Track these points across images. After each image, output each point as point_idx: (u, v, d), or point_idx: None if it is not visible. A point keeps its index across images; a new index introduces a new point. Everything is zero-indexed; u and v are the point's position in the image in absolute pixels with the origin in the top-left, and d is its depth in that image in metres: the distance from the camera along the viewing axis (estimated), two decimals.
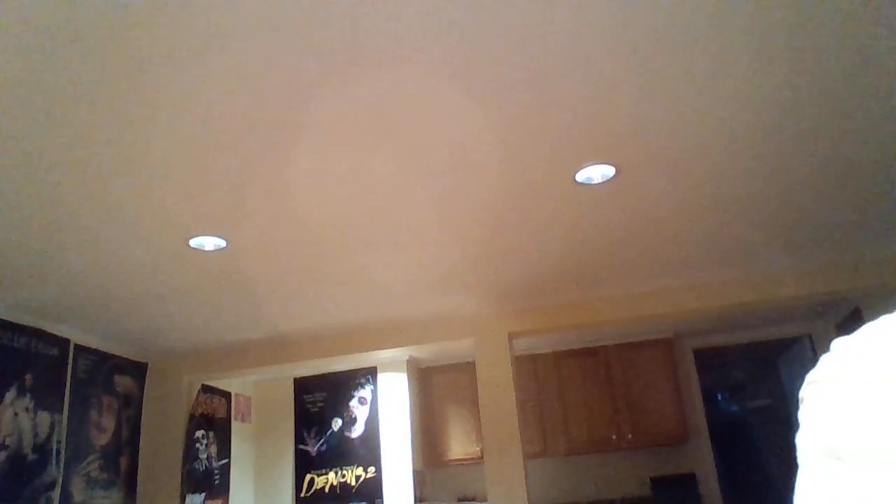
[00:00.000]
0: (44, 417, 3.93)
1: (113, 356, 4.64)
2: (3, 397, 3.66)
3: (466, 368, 5.75)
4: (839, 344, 0.51)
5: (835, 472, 0.46)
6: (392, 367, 5.76)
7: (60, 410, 4.08)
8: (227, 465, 5.49)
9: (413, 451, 5.55)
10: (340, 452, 5.69)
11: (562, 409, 5.81)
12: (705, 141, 2.62)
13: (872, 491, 0.43)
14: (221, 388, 5.58)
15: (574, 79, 2.15)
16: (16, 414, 3.73)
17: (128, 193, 2.63)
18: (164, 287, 3.68)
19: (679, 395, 5.68)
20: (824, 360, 0.51)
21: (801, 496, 0.48)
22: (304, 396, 5.94)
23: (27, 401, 3.82)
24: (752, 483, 7.29)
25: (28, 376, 3.85)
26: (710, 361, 6.38)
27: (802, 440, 0.50)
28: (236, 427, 5.73)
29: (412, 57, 1.98)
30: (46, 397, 3.97)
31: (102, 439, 4.44)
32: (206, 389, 5.34)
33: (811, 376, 0.52)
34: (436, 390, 5.99)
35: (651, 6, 1.85)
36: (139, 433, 4.84)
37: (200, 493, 5.06)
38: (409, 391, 5.72)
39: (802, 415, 0.51)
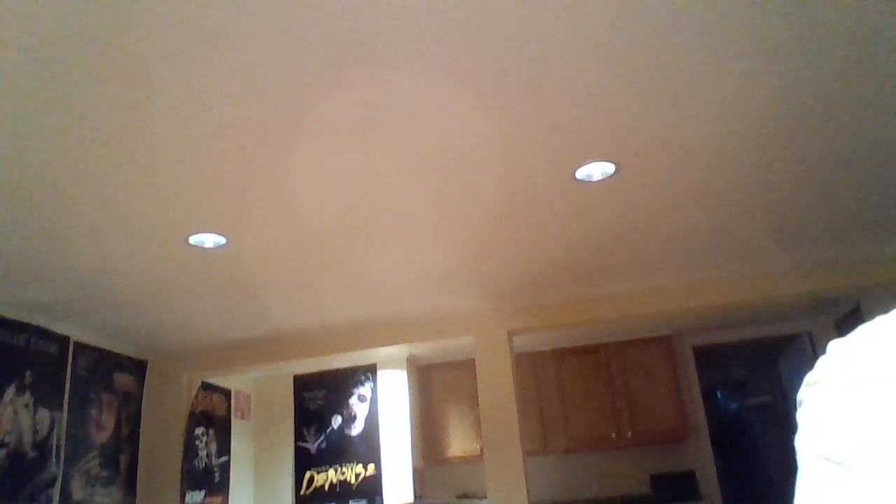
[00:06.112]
0: (44, 415, 3.93)
1: (113, 354, 4.64)
2: (2, 395, 3.66)
3: (466, 366, 5.75)
4: (835, 346, 0.51)
5: (834, 475, 0.46)
6: (392, 364, 5.76)
7: (60, 408, 4.08)
8: (227, 463, 5.50)
9: (413, 449, 5.55)
10: (340, 450, 5.70)
11: (561, 406, 5.81)
12: (705, 138, 2.61)
13: (872, 493, 0.43)
14: (221, 385, 5.59)
15: (574, 77, 2.15)
16: (15, 412, 3.74)
17: (127, 190, 2.63)
18: (164, 284, 3.67)
19: (679, 393, 5.68)
20: (820, 362, 0.51)
21: (801, 499, 0.48)
22: (304, 394, 5.94)
23: (27, 398, 3.82)
24: (752, 481, 7.30)
25: (28, 374, 3.85)
26: (710, 359, 6.38)
27: (801, 443, 0.50)
28: (236, 424, 5.73)
29: (412, 57, 1.98)
30: (46, 395, 3.97)
31: (102, 437, 4.45)
32: (206, 387, 5.35)
33: (808, 378, 0.52)
34: (436, 388, 5.99)
35: (650, 5, 1.85)
36: (139, 431, 4.84)
37: (200, 491, 5.07)
38: (409, 389, 5.72)
39: (800, 417, 0.51)
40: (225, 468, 5.45)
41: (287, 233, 3.17)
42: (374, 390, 5.75)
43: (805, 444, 0.50)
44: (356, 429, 5.71)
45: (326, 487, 5.64)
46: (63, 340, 4.18)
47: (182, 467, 4.82)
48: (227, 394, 5.66)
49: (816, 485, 0.47)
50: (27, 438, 3.79)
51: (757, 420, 7.60)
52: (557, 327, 4.79)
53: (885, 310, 0.51)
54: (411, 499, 5.38)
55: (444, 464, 5.89)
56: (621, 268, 4.10)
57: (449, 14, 1.83)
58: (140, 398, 4.91)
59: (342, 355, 5.07)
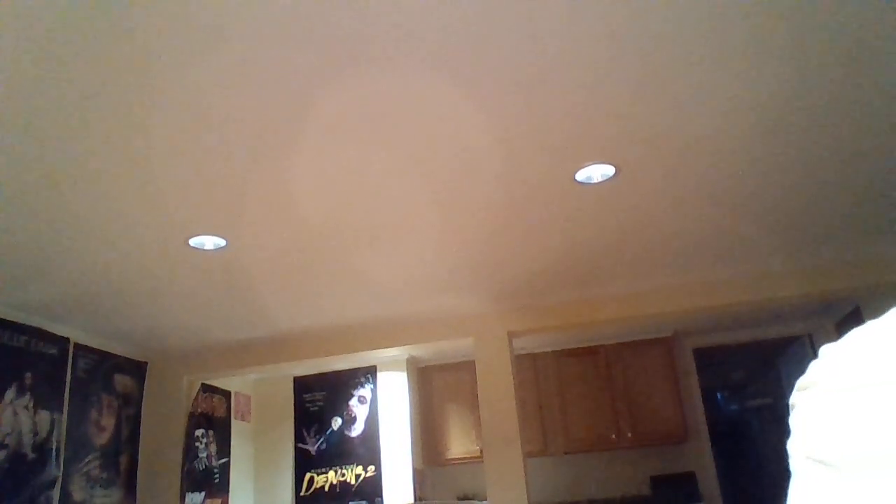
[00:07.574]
0: (43, 416, 3.93)
1: (113, 355, 4.64)
2: (2, 396, 3.66)
3: (466, 367, 5.75)
4: (827, 350, 0.51)
5: (824, 480, 0.46)
6: (392, 366, 5.76)
7: (60, 409, 4.08)
8: (227, 464, 5.49)
9: (413, 450, 5.55)
10: (340, 451, 5.69)
11: (561, 407, 5.81)
12: (705, 140, 2.62)
13: (862, 496, 0.43)
14: (221, 386, 5.58)
15: (574, 78, 2.15)
16: (15, 413, 3.73)
17: (128, 192, 2.63)
18: (164, 286, 3.67)
19: (679, 394, 5.68)
20: (812, 366, 0.51)
21: (792, 501, 0.49)
22: (304, 395, 5.94)
23: (27, 400, 3.82)
24: (752, 482, 7.30)
25: (28, 375, 3.85)
26: (710, 360, 6.38)
27: (793, 446, 0.50)
28: (236, 426, 5.73)
29: (413, 57, 1.98)
30: (46, 396, 3.97)
31: (102, 438, 4.44)
32: (206, 388, 5.35)
33: (800, 383, 0.52)
34: (436, 389, 5.99)
35: (650, 6, 1.85)
36: (139, 432, 4.84)
37: (200, 492, 5.06)
38: (409, 390, 5.72)
39: (793, 421, 0.51)
40: (225, 469, 5.45)
41: (287, 234, 3.17)
42: (374, 392, 5.75)
43: (796, 447, 0.50)
44: (356, 430, 5.71)
45: (326, 489, 5.64)
46: (63, 342, 4.18)
47: (182, 469, 4.82)
48: (227, 395, 5.66)
49: (807, 487, 0.47)
50: (27, 440, 3.79)
51: (757, 421, 7.61)
52: (557, 329, 4.79)
53: (885, 311, 0.51)
54: (411, 500, 5.38)
55: (445, 465, 5.89)
56: (621, 269, 4.10)
57: (449, 14, 1.83)
58: (140, 400, 4.91)
59: (342, 357, 5.07)
